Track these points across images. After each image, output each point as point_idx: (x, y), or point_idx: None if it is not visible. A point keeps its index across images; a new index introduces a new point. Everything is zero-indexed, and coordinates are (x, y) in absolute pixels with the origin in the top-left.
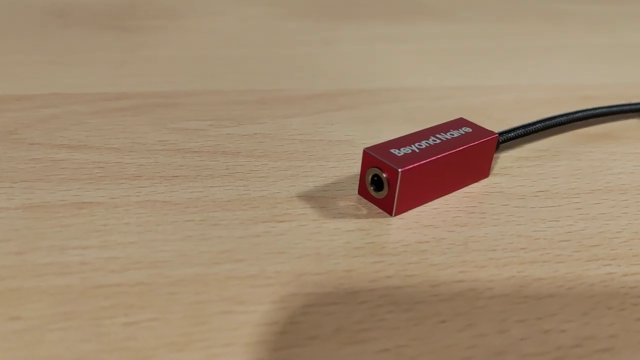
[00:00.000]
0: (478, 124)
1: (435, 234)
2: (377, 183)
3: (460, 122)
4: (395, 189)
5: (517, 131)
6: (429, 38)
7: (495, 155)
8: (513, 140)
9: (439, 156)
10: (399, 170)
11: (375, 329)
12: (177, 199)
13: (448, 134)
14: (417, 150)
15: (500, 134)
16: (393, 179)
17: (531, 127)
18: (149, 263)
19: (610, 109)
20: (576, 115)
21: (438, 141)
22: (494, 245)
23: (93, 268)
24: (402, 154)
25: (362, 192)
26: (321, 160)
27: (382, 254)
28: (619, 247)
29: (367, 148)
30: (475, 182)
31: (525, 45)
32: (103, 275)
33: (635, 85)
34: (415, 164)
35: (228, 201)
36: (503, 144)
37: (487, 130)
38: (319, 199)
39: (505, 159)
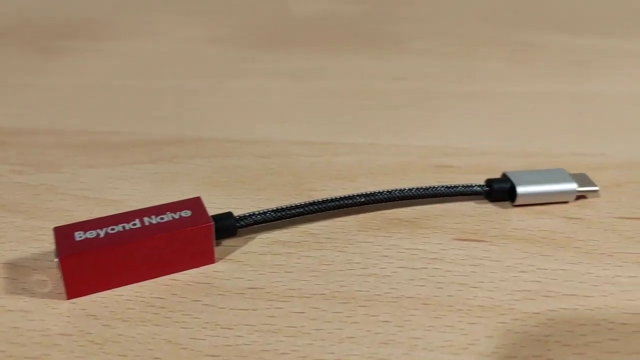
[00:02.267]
0: (284, 189)
1: (88, 327)
2: None
3: (190, 203)
4: (60, 274)
5: (262, 216)
6: (343, 75)
7: (250, 236)
8: (290, 218)
9: (119, 245)
10: (56, 259)
11: None
12: None
13: (159, 217)
14: (103, 236)
15: (241, 218)
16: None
17: (281, 213)
18: None
19: (413, 192)
20: (359, 199)
21: (138, 225)
22: (130, 350)
23: None
24: (82, 238)
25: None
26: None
27: (11, 342)
28: None
29: (57, 227)
30: (196, 267)
31: (445, 91)
32: None
33: (523, 154)
34: (80, 253)
35: None
36: (271, 223)
37: (207, 216)
38: (18, 268)
39: (259, 242)
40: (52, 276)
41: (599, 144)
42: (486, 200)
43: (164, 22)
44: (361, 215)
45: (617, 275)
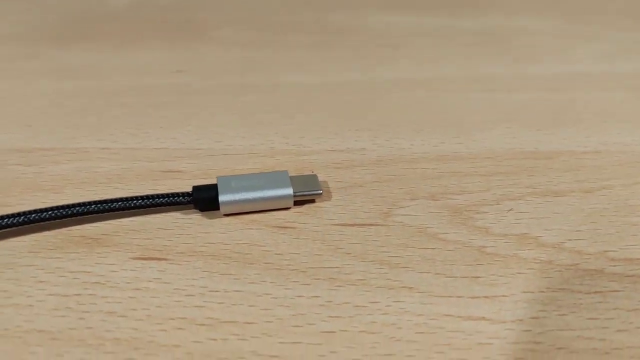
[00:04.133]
0: None
1: None
2: None
3: None
4: None
5: None
6: (118, 72)
7: None
8: None
9: None
10: None
11: None
12: None
13: None
14: None
15: None
16: None
17: None
18: None
19: (97, 207)
20: (19, 218)
21: None
22: None
23: None
24: None
25: None
26: None
27: None
28: None
29: None
30: None
31: (223, 84)
32: None
33: (267, 153)
34: None
35: None
36: None
37: None
38: None
39: None
40: None
41: (365, 138)
42: (197, 211)
43: None
44: (43, 234)
45: (299, 296)
